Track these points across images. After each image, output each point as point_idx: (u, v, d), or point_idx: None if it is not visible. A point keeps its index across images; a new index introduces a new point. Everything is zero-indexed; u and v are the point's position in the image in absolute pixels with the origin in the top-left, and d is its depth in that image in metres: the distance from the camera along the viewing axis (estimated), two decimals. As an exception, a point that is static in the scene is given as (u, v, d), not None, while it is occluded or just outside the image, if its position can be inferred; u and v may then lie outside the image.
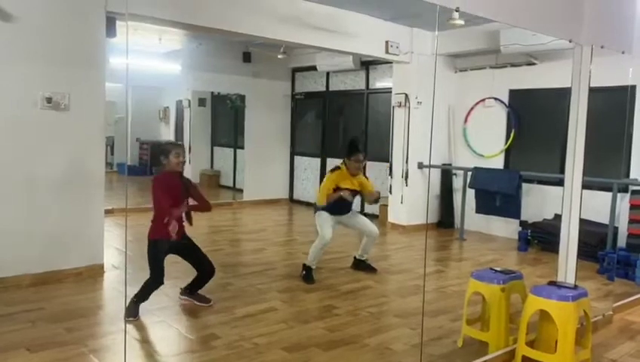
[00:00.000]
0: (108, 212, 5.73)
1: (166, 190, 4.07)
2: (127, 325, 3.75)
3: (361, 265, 5.52)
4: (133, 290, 4.01)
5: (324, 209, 5.24)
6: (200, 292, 4.38)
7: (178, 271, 5.15)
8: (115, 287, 4.77)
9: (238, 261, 6.00)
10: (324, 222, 5.18)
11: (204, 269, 4.33)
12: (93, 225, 5.03)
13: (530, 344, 3.42)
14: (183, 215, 4.17)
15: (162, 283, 4.10)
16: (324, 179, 5.35)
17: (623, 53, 4.21)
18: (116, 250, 5.87)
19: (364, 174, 5.62)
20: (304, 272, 5.13)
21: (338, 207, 5.24)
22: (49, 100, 4.69)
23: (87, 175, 4.97)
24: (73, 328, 3.74)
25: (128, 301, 3.93)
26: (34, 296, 4.37)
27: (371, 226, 5.49)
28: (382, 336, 3.83)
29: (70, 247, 4.87)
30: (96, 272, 4.98)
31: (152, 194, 4.09)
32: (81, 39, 4.89)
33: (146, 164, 13.00)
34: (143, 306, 4.07)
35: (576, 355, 3.26)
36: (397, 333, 3.89)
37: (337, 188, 5.19)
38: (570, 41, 3.75)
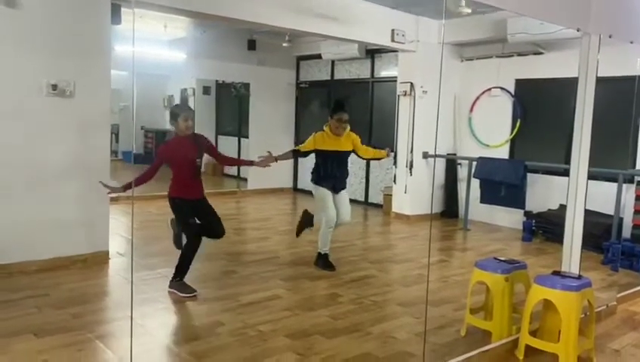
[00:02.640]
0: (113, 200, 5.74)
1: (173, 155, 4.16)
2: (134, 312, 3.77)
3: (319, 261, 5.17)
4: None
5: (321, 183, 5.10)
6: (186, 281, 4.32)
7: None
8: (121, 274, 4.80)
9: (243, 249, 6.03)
10: (326, 201, 5.06)
11: (213, 231, 4.36)
12: (98, 213, 5.05)
13: (533, 333, 3.43)
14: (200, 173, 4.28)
15: (199, 235, 4.21)
16: (309, 139, 5.16)
17: (631, 43, 4.17)
18: (121, 237, 5.90)
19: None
20: (320, 261, 5.12)
21: (333, 181, 5.11)
22: (54, 87, 4.70)
23: (92, 162, 4.98)
24: (79, 314, 3.77)
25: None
26: (40, 282, 4.40)
27: (348, 212, 5.23)
28: (385, 325, 3.84)
29: (76, 234, 4.89)
30: (101, 259, 5.01)
31: (160, 158, 4.19)
32: (87, 26, 4.88)
33: (151, 152, 13.01)
34: (149, 293, 4.10)
35: (580, 345, 3.27)
36: (400, 322, 3.91)
37: (316, 151, 5.07)
38: (577, 30, 3.71)
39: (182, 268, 4.24)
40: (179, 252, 4.33)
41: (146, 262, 5.01)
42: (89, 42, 4.91)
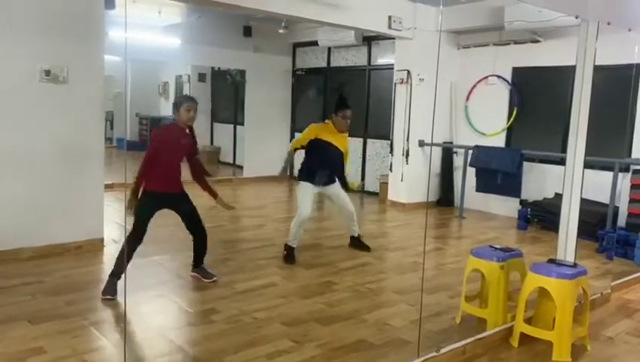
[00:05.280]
0: (108, 187, 5.71)
1: (165, 141, 4.03)
2: (127, 299, 3.75)
3: (355, 243, 5.41)
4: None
5: (306, 178, 5.05)
6: (204, 266, 4.35)
7: (179, 244, 5.17)
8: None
9: (238, 237, 6.02)
10: (305, 196, 5.01)
11: (195, 232, 4.23)
12: (93, 199, 5.02)
13: (528, 321, 3.44)
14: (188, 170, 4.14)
15: (141, 240, 3.91)
16: (306, 129, 5.11)
17: (629, 30, 4.15)
18: (116, 224, 5.87)
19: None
20: (285, 252, 5.00)
21: (320, 175, 5.03)
22: (47, 73, 4.64)
23: (86, 149, 4.94)
24: (73, 301, 3.75)
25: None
26: (34, 269, 4.38)
27: (348, 204, 5.25)
28: (380, 312, 3.85)
29: (70, 221, 4.86)
30: (96, 246, 4.99)
31: (150, 144, 4.03)
32: (80, 11, 4.82)
33: (146, 140, 12.94)
34: (143, 281, 4.09)
35: (574, 332, 3.29)
36: (395, 309, 3.92)
37: (316, 140, 4.98)
38: (576, 17, 3.69)
39: (116, 265, 3.93)
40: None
41: (140, 249, 4.96)
42: (82, 27, 4.84)
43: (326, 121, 5.15)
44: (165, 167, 4.01)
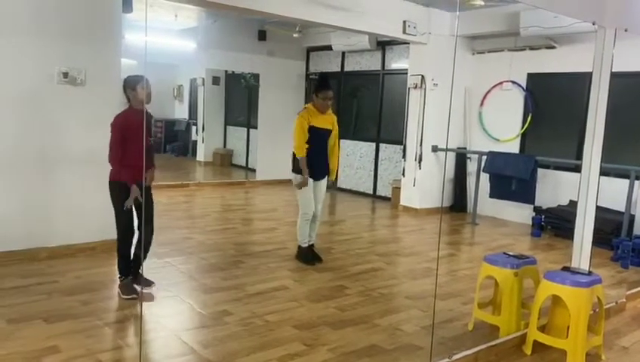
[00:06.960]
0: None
1: (127, 130, 3.75)
2: (141, 299, 3.79)
3: (299, 255, 5.05)
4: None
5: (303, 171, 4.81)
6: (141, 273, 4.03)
7: (192, 246, 5.21)
8: (129, 262, 4.81)
9: (250, 240, 6.04)
10: (304, 192, 4.87)
11: (146, 230, 4.00)
12: (107, 201, 5.05)
13: (542, 329, 3.42)
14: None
15: (132, 232, 3.85)
16: (295, 124, 4.81)
17: (647, 37, 4.11)
18: (130, 225, 5.92)
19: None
20: (300, 255, 4.98)
21: (318, 166, 4.86)
22: (65, 75, 4.71)
23: (102, 150, 4.98)
24: (88, 301, 3.79)
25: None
26: (49, 269, 4.43)
27: (320, 203, 4.99)
28: (392, 317, 3.84)
29: (84, 222, 4.91)
30: (109, 247, 4.99)
31: (113, 135, 3.80)
32: (98, 14, 4.89)
33: (160, 142, 13.05)
34: (157, 282, 4.11)
35: (588, 341, 3.25)
36: (408, 315, 3.90)
37: (312, 128, 4.77)
38: (593, 24, 3.66)
39: (122, 266, 3.95)
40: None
41: (155, 250, 5.01)
42: (100, 30, 4.91)
43: (305, 106, 4.94)
44: (134, 156, 3.75)
